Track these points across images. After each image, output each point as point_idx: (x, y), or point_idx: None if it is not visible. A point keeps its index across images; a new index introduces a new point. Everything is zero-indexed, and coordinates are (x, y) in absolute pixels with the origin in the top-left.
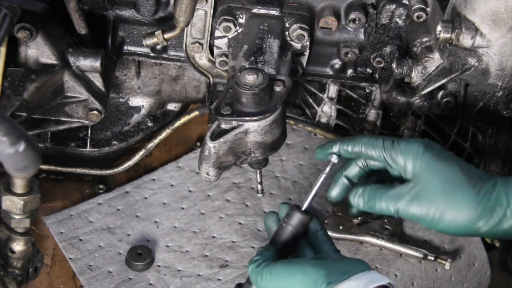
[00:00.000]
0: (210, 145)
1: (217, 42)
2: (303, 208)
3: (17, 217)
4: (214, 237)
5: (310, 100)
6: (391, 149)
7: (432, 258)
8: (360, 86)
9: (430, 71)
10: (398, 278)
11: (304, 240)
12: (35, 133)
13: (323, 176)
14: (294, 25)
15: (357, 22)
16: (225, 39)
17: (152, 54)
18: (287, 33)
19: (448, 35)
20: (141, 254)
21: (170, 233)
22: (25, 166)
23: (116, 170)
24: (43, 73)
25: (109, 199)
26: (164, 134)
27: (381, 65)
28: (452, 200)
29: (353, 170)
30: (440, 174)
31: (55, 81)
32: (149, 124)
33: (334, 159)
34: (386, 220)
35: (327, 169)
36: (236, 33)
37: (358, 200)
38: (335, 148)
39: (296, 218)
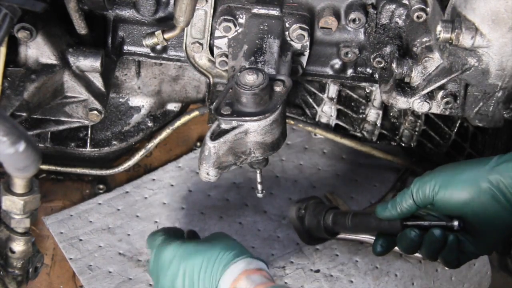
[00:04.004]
0: (210, 145)
1: (217, 42)
2: None
3: (17, 217)
4: None
5: (310, 100)
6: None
7: None
8: (360, 86)
9: (430, 71)
10: (398, 278)
11: None
12: (35, 133)
13: None
14: (294, 25)
15: (357, 22)
16: (225, 39)
17: (152, 54)
18: (287, 33)
19: (448, 35)
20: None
21: None
22: (25, 166)
23: (116, 170)
24: (43, 73)
25: (109, 199)
26: (164, 134)
27: (381, 65)
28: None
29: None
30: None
31: (55, 81)
32: (149, 124)
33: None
34: None
35: None
36: (236, 33)
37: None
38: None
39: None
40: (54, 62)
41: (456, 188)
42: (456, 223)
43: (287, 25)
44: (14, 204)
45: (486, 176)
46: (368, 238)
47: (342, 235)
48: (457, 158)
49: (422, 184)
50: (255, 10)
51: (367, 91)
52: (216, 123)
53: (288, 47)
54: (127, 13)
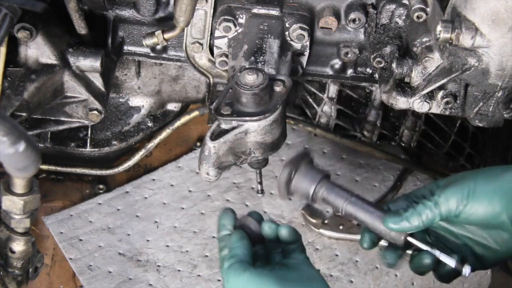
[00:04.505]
0: (210, 145)
1: (217, 42)
2: None
3: (17, 217)
4: (214, 237)
5: (310, 100)
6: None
7: None
8: (360, 86)
9: (430, 71)
10: (398, 278)
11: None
12: (35, 133)
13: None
14: (294, 25)
15: (357, 22)
16: (225, 39)
17: (152, 54)
18: (287, 33)
19: (448, 35)
20: None
21: (170, 233)
22: (25, 166)
23: (116, 170)
24: (43, 73)
25: (109, 199)
26: (164, 134)
27: (381, 65)
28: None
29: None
30: None
31: (55, 81)
32: (149, 124)
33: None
34: None
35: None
36: (236, 33)
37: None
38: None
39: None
40: (54, 62)
41: (489, 197)
42: (467, 270)
43: (287, 25)
44: (14, 204)
45: None
46: None
47: (342, 235)
48: (457, 158)
49: (452, 193)
50: (255, 10)
51: (367, 91)
52: (216, 123)
53: (288, 47)
54: (127, 13)
